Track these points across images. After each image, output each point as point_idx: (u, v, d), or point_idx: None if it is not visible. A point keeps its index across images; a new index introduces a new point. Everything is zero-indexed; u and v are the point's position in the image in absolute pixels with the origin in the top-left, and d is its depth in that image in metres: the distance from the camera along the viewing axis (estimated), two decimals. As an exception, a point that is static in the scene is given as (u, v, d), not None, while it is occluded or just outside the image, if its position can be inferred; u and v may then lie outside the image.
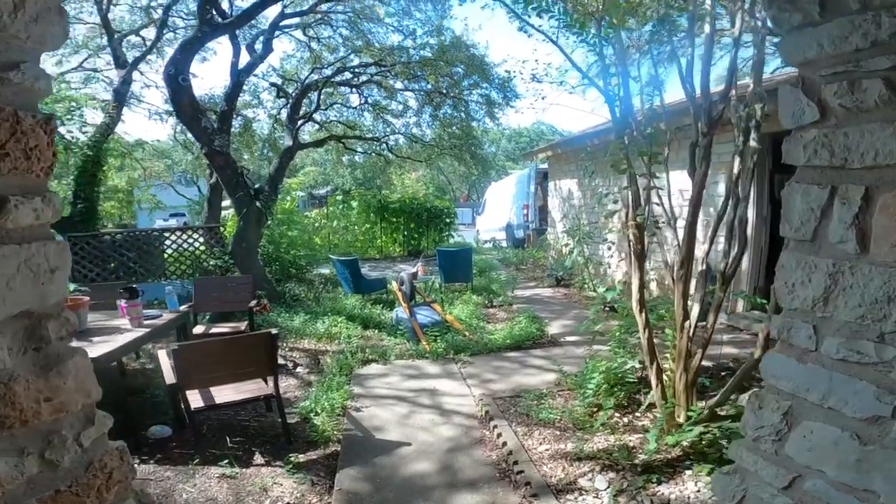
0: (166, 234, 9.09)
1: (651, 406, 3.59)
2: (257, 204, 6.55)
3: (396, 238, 13.47)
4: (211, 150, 6.11)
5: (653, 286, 7.30)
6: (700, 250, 4.18)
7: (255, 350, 3.24)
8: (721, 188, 5.92)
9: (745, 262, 5.77)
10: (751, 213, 5.69)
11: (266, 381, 3.59)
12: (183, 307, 4.43)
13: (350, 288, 7.46)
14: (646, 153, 3.46)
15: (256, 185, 6.71)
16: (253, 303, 4.97)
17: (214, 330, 5.06)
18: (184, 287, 7.44)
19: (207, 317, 5.97)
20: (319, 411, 4.01)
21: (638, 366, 3.88)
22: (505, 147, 45.32)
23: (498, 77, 16.16)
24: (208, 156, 6.34)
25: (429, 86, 16.09)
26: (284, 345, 5.86)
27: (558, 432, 3.56)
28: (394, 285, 6.83)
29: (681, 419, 3.35)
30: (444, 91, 16.10)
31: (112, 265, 8.47)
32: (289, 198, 13.01)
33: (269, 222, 8.70)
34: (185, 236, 8.87)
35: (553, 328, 6.16)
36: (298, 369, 5.19)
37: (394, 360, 5.22)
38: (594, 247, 8.52)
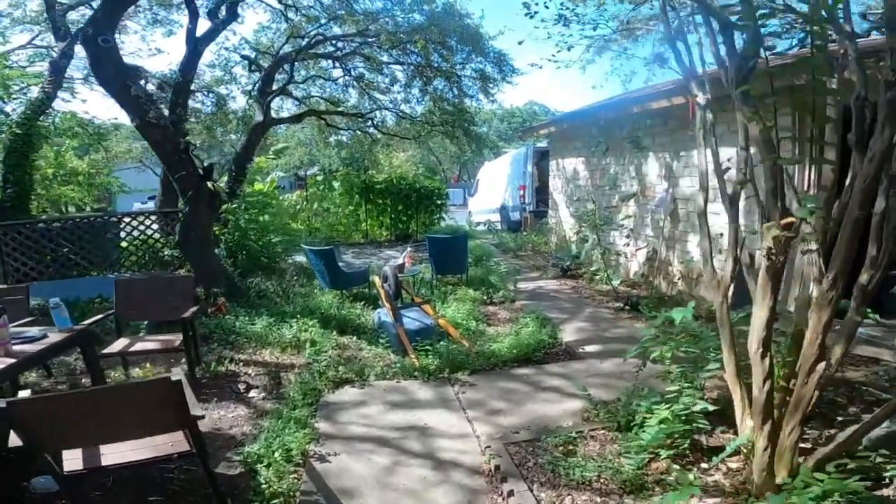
0: (114, 221, 7.89)
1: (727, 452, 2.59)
2: (209, 185, 5.37)
3: (383, 221, 12.33)
4: (144, 122, 4.91)
5: (677, 278, 6.29)
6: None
7: (151, 403, 2.15)
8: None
9: (797, 256, 4.76)
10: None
11: (186, 433, 2.52)
12: (87, 322, 3.30)
13: (326, 282, 6.36)
14: (755, 118, 2.37)
15: (206, 163, 5.52)
16: (190, 311, 3.85)
17: (139, 346, 3.95)
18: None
19: (144, 325, 4.86)
20: (270, 460, 2.97)
21: (710, 405, 2.86)
22: (497, 127, 43.98)
23: (494, 50, 14.88)
24: (141, 129, 5.14)
25: (418, 59, 14.78)
26: (239, 358, 4.79)
27: (600, 499, 2.55)
28: (376, 281, 5.74)
29: (779, 478, 2.34)
30: (435, 65, 14.81)
31: (48, 258, 7.28)
32: (268, 179, 11.83)
33: (235, 206, 7.52)
34: (135, 223, 7.68)
35: (567, 333, 5.13)
36: (252, 393, 4.12)
37: (374, 381, 4.16)
38: (604, 233, 7.48)
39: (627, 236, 6.77)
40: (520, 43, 6.22)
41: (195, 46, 6.86)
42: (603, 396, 3.64)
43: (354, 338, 5.22)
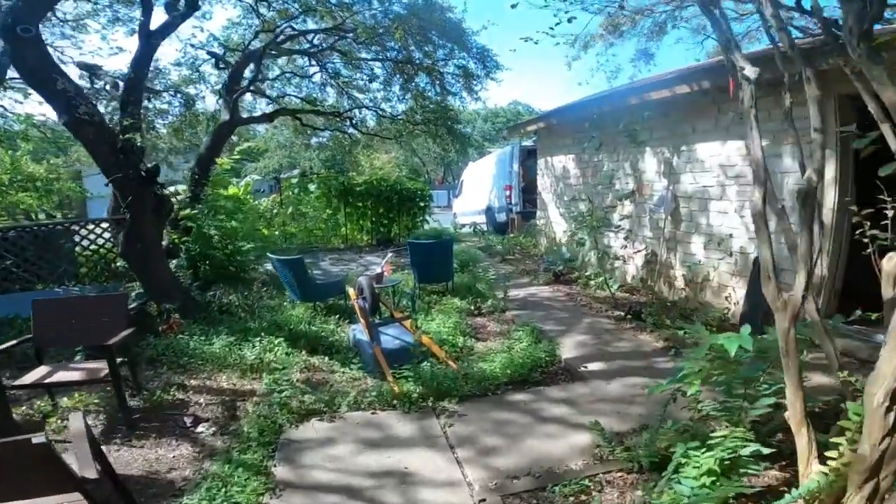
0: (62, 230, 7.13)
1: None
2: (155, 190, 4.72)
3: (363, 225, 11.70)
4: (74, 119, 4.24)
5: (680, 283, 5.81)
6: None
7: (19, 464, 1.55)
8: (786, 162, 4.42)
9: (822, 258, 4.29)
10: (830, 196, 4.20)
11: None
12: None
13: (297, 294, 5.72)
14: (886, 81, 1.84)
15: (150, 165, 4.84)
16: (119, 336, 3.20)
17: (60, 376, 3.29)
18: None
19: (79, 352, 4.18)
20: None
21: (763, 447, 2.33)
22: (481, 128, 43.61)
23: (477, 46, 14.40)
24: (72, 127, 4.46)
25: (398, 55, 14.23)
26: (190, 384, 4.15)
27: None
28: (351, 294, 5.13)
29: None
30: (417, 61, 14.28)
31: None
32: (242, 182, 11.15)
33: (197, 212, 6.84)
34: (84, 232, 6.95)
35: (565, 349, 4.60)
36: (201, 427, 3.50)
37: (346, 413, 3.56)
38: (600, 234, 6.98)
39: (626, 238, 6.28)
40: (513, 6, 5.68)
41: (148, 41, 6.22)
42: (615, 426, 3.11)
43: (326, 358, 4.62)
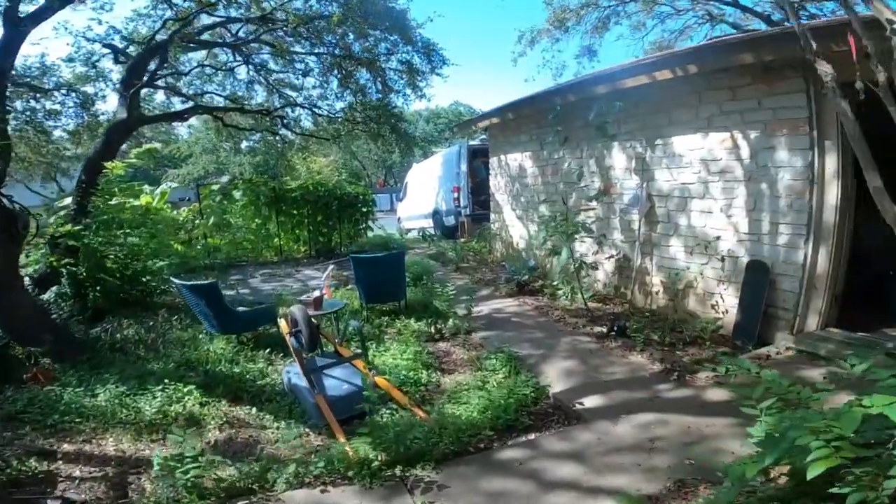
0: None
1: None
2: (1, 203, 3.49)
3: (300, 235, 10.50)
4: None
5: (657, 290, 5.31)
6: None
7: None
8: (780, 156, 3.97)
9: (820, 260, 3.89)
10: (832, 193, 3.79)
11: None
12: None
13: (214, 326, 4.61)
14: None
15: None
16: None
17: None
18: None
19: None
20: None
21: None
22: (423, 129, 42.96)
23: (423, 40, 13.64)
24: None
25: (336, 49, 13.16)
26: (63, 450, 3.04)
27: None
28: (282, 327, 4.10)
29: None
30: (357, 55, 13.27)
31: None
32: (158, 191, 9.64)
33: (81, 227, 5.48)
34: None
35: (551, 379, 3.87)
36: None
37: (285, 492, 2.61)
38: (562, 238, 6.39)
39: (600, 243, 5.72)
40: None
41: (15, 27, 4.99)
42: (643, 488, 2.40)
43: (254, 409, 3.60)
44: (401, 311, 5.70)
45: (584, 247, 6.06)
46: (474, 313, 5.68)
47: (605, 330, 4.77)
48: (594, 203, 6.06)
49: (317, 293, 4.61)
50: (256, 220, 9.79)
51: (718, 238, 4.49)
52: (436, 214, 13.63)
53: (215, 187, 9.66)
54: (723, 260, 4.50)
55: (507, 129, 8.12)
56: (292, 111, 14.86)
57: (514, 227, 8.19)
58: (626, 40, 24.19)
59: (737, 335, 4.36)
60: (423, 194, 14.63)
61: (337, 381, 3.43)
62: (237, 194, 9.46)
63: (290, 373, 3.64)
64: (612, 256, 5.79)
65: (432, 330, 5.12)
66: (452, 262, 8.64)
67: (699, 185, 4.66)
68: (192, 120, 15.85)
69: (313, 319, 3.82)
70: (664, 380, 3.70)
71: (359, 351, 3.86)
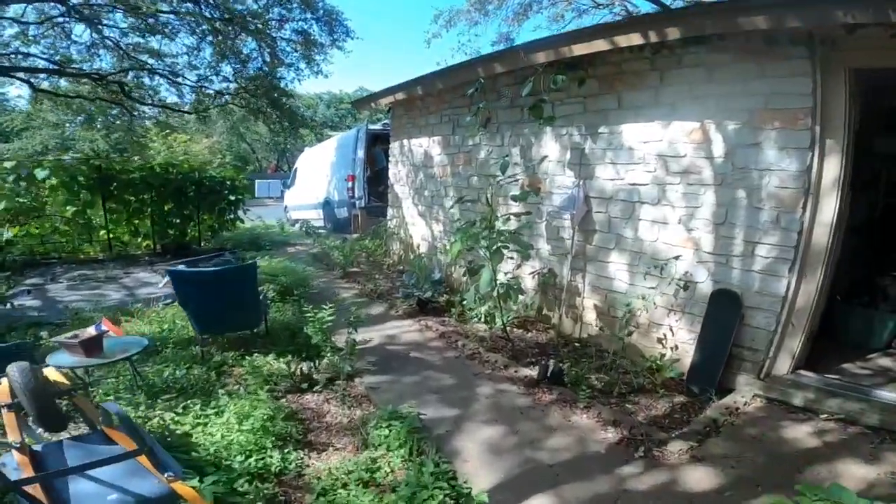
0: None
1: None
2: None
3: (140, 227, 8.13)
4: None
5: (590, 315, 4.30)
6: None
7: None
8: (768, 156, 3.04)
9: (804, 292, 3.06)
10: (828, 207, 2.94)
11: None
12: None
13: None
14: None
15: None
16: None
17: None
18: None
19: None
20: None
21: None
22: (324, 113, 39.91)
23: (325, 6, 11.68)
24: None
25: (214, 13, 10.73)
26: None
27: None
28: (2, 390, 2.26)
29: None
30: (238, 14, 10.95)
31: None
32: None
33: None
34: None
35: (475, 468, 2.57)
36: None
37: None
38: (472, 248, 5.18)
39: (522, 256, 4.53)
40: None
41: None
42: None
43: None
44: (257, 342, 4.07)
45: (507, 264, 4.87)
46: (361, 343, 4.23)
47: (535, 375, 3.59)
48: (516, 204, 4.89)
49: (92, 329, 2.81)
50: (70, 206, 7.27)
51: (676, 258, 3.52)
52: (327, 205, 11.83)
53: (9, 164, 6.97)
54: (678, 285, 3.54)
55: (413, 108, 6.69)
56: (150, 79, 12.07)
57: (416, 225, 6.83)
58: (542, 31, 23.85)
59: (693, 379, 3.44)
60: (313, 182, 12.69)
61: (99, 488, 1.78)
62: (41, 174, 6.88)
63: (6, 466, 1.87)
64: (535, 272, 4.67)
65: (298, 372, 3.58)
66: (339, 266, 7.03)
67: (653, 188, 3.66)
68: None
69: (78, 373, 2.07)
70: (627, 457, 2.60)
71: (145, 445, 2.19)
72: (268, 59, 11.82)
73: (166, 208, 8.05)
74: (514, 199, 4.33)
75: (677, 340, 3.67)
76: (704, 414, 3.11)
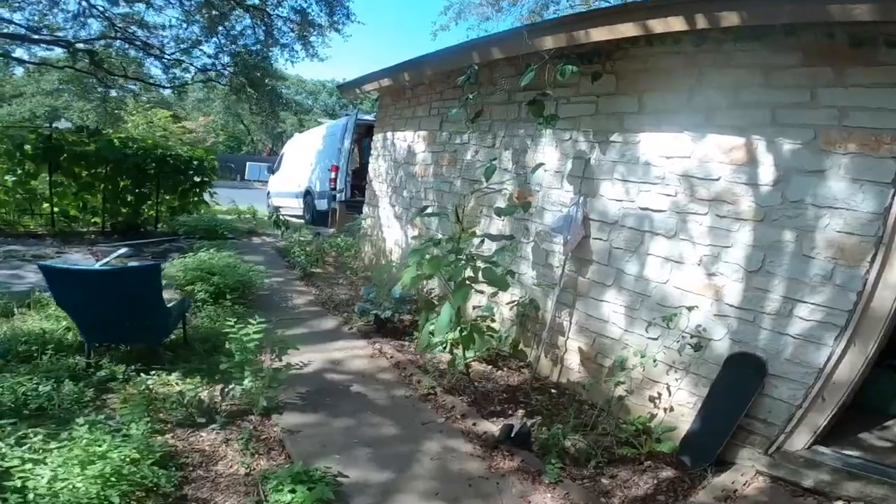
0: None
1: None
2: None
3: (89, 202, 7.31)
4: None
5: (573, 359, 3.56)
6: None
7: None
8: (833, 188, 2.32)
9: (849, 364, 2.34)
10: None
11: None
12: None
13: None
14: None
15: None
16: None
17: None
18: None
19: None
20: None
21: None
22: (325, 101, 39.10)
23: None
24: None
25: None
26: None
27: None
28: None
29: None
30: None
31: None
32: None
33: None
34: None
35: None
36: None
37: None
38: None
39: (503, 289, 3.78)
40: None
41: None
42: None
43: None
44: (166, 356, 3.30)
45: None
46: (299, 364, 3.48)
47: (496, 432, 2.84)
48: (500, 219, 4.16)
49: None
50: (7, 176, 6.46)
51: (690, 308, 2.78)
52: (307, 195, 11.07)
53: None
54: (688, 342, 2.81)
55: (401, 98, 5.95)
56: (135, 51, 11.18)
57: (391, 227, 6.09)
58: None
59: (687, 449, 2.74)
60: (297, 169, 11.92)
61: None
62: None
63: None
64: (515, 302, 3.92)
65: (200, 401, 2.82)
66: (300, 266, 6.25)
67: (671, 216, 2.94)
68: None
69: None
70: None
71: None
72: (262, 38, 11.06)
73: (121, 185, 7.24)
74: (498, 213, 3.59)
75: (674, 402, 2.95)
76: (696, 497, 2.41)
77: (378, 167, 6.55)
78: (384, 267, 5.58)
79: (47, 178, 6.78)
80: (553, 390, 3.54)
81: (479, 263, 3.02)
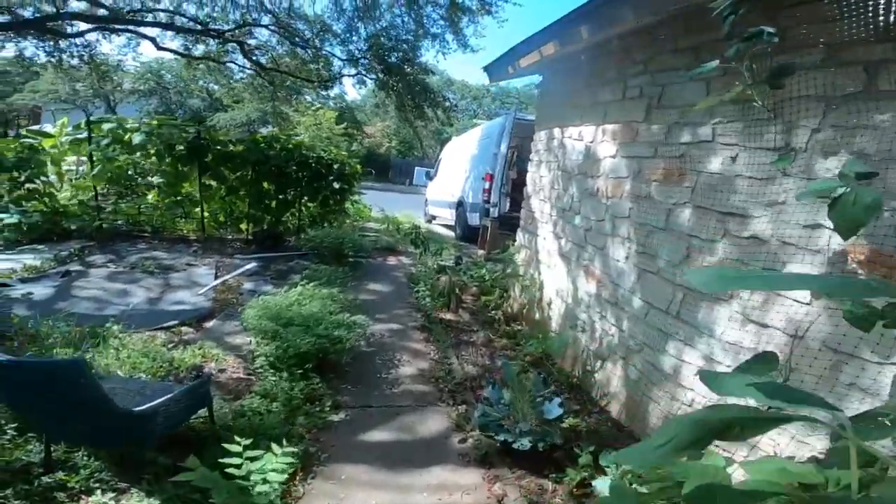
0: None
1: None
2: None
3: (235, 209, 7.03)
4: None
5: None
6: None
7: None
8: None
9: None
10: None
11: None
12: None
13: None
14: None
15: None
16: None
17: None
18: None
19: None
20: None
21: None
22: (489, 107, 38.53)
23: None
24: None
25: None
26: None
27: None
28: None
29: None
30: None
31: None
32: (57, 123, 6.84)
33: None
34: None
35: None
36: None
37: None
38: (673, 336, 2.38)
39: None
40: None
41: None
42: None
43: None
44: (159, 461, 2.02)
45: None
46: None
47: None
48: (805, 301, 1.97)
49: None
50: (155, 177, 6.40)
51: None
52: (460, 206, 9.78)
53: (107, 125, 6.33)
54: None
55: (574, 73, 4.01)
56: (280, 41, 10.88)
57: (553, 268, 4.18)
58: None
59: None
60: (451, 176, 10.78)
61: None
62: (137, 138, 6.06)
63: None
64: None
65: None
66: (424, 313, 4.73)
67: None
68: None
69: None
70: None
71: None
72: (412, 26, 10.05)
73: (262, 189, 6.78)
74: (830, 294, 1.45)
75: None
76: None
77: (538, 178, 4.70)
78: (541, 322, 3.71)
79: (191, 182, 6.61)
80: None
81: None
